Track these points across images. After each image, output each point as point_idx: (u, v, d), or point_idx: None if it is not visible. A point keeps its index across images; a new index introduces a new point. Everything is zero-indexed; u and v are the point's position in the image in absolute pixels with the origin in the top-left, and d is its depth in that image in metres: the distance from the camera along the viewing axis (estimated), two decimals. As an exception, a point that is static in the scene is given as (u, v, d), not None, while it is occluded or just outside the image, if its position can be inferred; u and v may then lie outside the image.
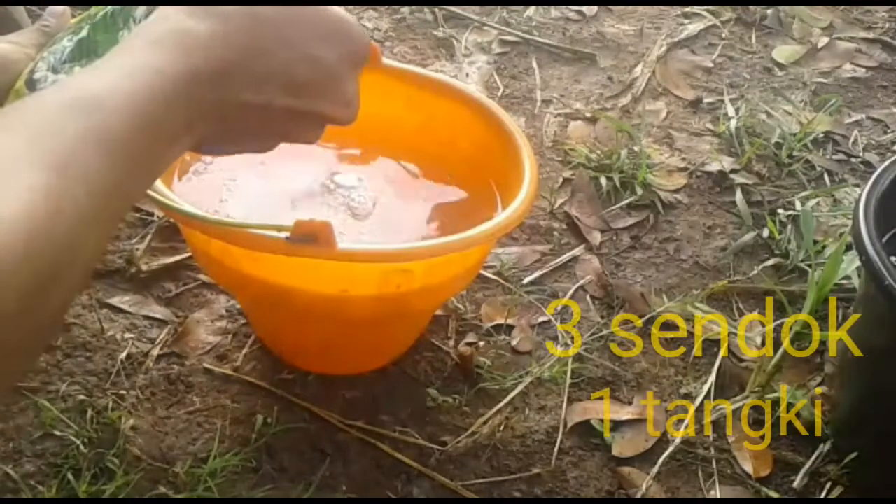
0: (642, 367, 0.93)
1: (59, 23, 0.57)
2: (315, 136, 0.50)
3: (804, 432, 0.88)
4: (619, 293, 1.00)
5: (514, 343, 0.93)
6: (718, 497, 0.82)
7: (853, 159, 1.25)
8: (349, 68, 0.48)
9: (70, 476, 0.75)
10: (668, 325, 0.97)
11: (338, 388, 0.86)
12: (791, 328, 0.95)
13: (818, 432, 0.87)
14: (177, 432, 0.81)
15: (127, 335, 0.88)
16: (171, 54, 0.41)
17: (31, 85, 0.55)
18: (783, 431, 0.88)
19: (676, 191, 1.16)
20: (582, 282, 1.01)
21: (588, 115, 1.26)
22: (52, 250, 0.33)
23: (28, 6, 0.92)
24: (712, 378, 0.92)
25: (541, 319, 0.96)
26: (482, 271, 0.97)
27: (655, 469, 0.83)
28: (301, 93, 0.46)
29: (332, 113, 0.48)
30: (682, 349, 0.95)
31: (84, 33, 0.57)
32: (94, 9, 0.62)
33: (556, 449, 0.84)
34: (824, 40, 1.50)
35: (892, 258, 0.72)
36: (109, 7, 0.58)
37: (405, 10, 1.42)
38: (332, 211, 0.82)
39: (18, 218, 0.32)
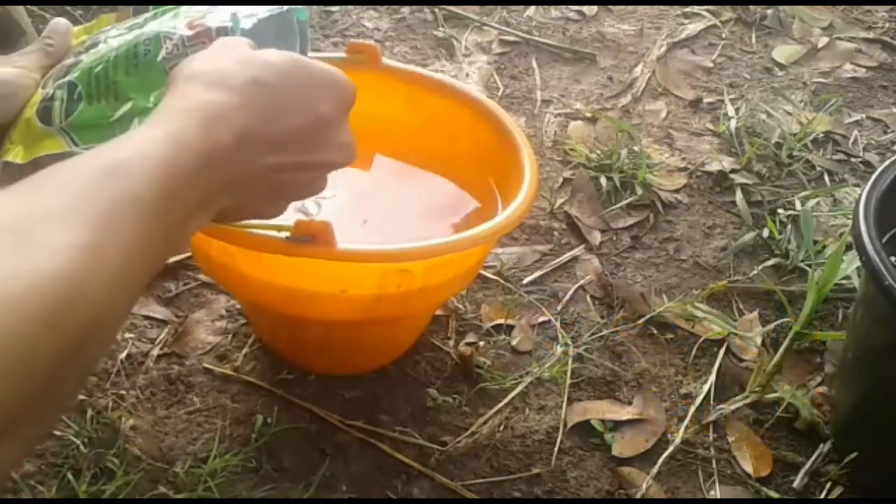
0: (642, 367, 0.93)
1: (62, 41, 0.57)
2: (322, 186, 0.53)
3: (804, 432, 0.88)
4: (619, 293, 1.00)
5: (514, 343, 0.93)
6: (718, 497, 0.82)
7: (853, 159, 1.25)
8: (342, 115, 0.51)
9: (70, 476, 0.75)
10: (668, 325, 0.97)
11: (338, 388, 0.86)
12: (791, 328, 0.95)
13: (818, 432, 0.87)
14: (177, 432, 0.81)
15: (127, 335, 0.88)
16: (194, 127, 0.43)
17: (44, 118, 0.54)
18: (783, 431, 0.88)
19: (676, 191, 1.16)
20: (582, 282, 1.01)
21: (588, 115, 1.26)
22: (86, 308, 0.33)
23: (28, 6, 0.92)
24: (712, 378, 0.92)
25: (541, 319, 0.96)
26: (482, 271, 0.97)
27: (655, 469, 0.83)
28: (311, 149, 0.49)
29: (335, 159, 0.51)
30: (683, 349, 0.95)
31: (99, 70, 0.54)
32: (101, 20, 0.60)
33: (556, 449, 0.84)
34: (824, 40, 1.50)
35: (892, 258, 0.72)
36: (123, 44, 0.55)
37: (405, 10, 1.42)
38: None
39: (54, 273, 0.32)
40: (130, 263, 0.36)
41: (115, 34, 0.57)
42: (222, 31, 0.54)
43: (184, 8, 0.58)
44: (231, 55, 0.48)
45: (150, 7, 0.59)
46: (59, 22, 0.57)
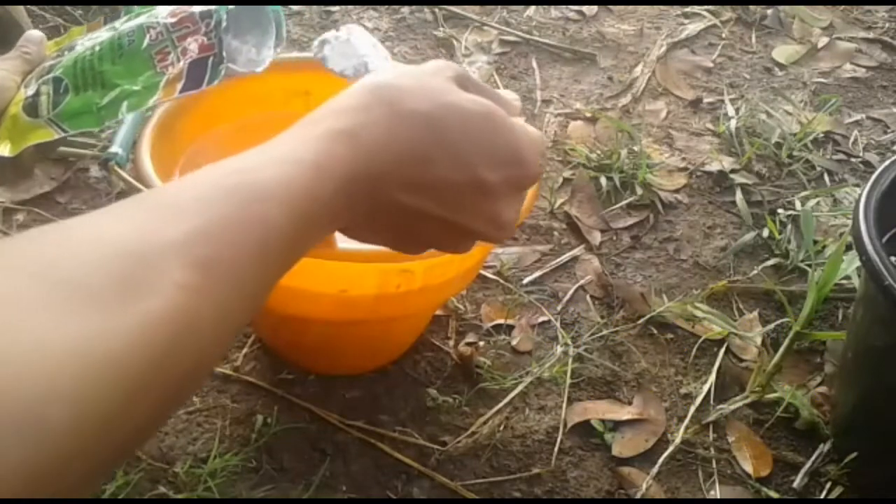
0: (642, 367, 0.93)
1: (38, 50, 0.58)
2: (464, 248, 0.50)
3: (804, 432, 0.88)
4: (619, 293, 1.00)
5: (514, 343, 0.93)
6: (718, 497, 0.82)
7: (853, 159, 1.25)
8: (511, 192, 0.47)
9: (70, 476, 0.75)
10: (668, 325, 0.97)
11: (338, 388, 0.86)
12: (791, 328, 0.95)
13: (818, 432, 0.87)
14: (177, 432, 0.81)
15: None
16: (339, 153, 0.40)
17: (30, 112, 0.54)
18: (783, 431, 0.88)
19: (676, 191, 1.16)
20: (582, 282, 1.01)
21: (588, 115, 1.26)
22: (187, 356, 0.31)
23: (28, 6, 0.92)
24: (712, 378, 0.92)
25: (541, 319, 0.96)
26: (482, 271, 0.97)
27: (655, 469, 0.83)
28: (455, 207, 0.45)
29: (483, 232, 0.48)
30: (683, 349, 0.95)
31: (84, 63, 0.55)
32: (71, 32, 0.62)
33: (556, 449, 0.84)
34: (824, 40, 1.50)
35: (892, 258, 0.72)
36: (105, 39, 0.56)
37: (405, 10, 1.42)
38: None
39: (158, 324, 0.30)
40: (243, 297, 0.34)
41: (92, 37, 0.58)
42: (206, 15, 0.55)
43: (158, 9, 0.58)
44: (425, 80, 0.45)
45: (123, 14, 0.59)
46: (34, 33, 0.58)
